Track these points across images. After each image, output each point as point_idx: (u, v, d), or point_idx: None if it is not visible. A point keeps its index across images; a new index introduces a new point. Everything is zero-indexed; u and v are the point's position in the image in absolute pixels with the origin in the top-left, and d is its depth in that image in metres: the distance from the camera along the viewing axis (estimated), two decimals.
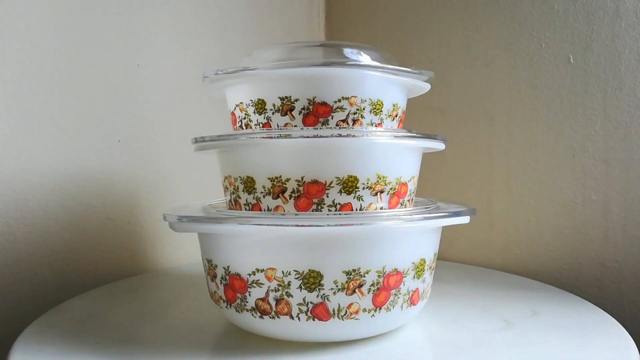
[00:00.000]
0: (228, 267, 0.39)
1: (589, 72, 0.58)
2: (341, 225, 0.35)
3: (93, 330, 0.43)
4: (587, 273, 0.59)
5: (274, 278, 0.37)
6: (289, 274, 0.36)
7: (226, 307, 0.40)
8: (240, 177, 0.41)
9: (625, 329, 0.42)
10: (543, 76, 0.62)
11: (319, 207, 0.39)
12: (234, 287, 0.39)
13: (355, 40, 0.83)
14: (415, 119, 0.73)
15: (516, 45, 0.64)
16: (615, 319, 0.45)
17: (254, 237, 0.37)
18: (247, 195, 0.41)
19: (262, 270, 0.37)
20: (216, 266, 0.40)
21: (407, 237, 0.38)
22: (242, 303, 0.39)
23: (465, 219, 0.41)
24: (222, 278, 0.40)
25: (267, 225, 0.36)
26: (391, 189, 0.41)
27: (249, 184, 0.40)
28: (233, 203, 0.43)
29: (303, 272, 0.36)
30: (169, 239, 0.67)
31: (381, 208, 0.40)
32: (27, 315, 0.52)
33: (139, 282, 0.59)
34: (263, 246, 0.37)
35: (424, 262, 0.40)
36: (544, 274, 0.62)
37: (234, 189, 0.42)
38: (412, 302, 0.40)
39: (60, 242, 0.57)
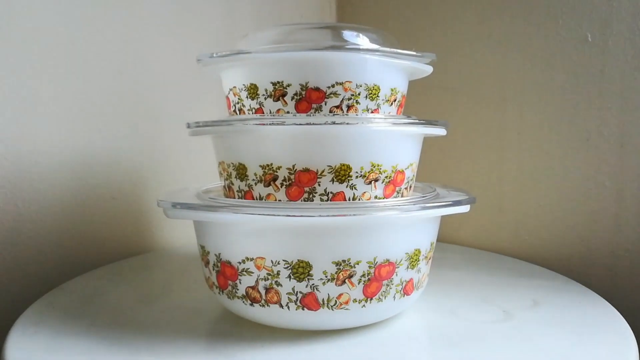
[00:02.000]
0: (219, 254, 0.39)
1: (607, 52, 0.55)
2: (333, 216, 0.34)
3: (91, 311, 0.44)
4: (598, 261, 0.57)
5: (263, 267, 0.37)
6: (278, 263, 0.36)
7: (219, 293, 0.40)
8: (232, 163, 0.40)
9: (635, 319, 0.41)
10: (559, 55, 0.59)
11: (311, 196, 0.38)
12: (225, 274, 0.39)
13: (366, 20, 0.80)
14: (424, 98, 0.71)
15: (532, 21, 0.61)
16: (625, 308, 0.43)
17: (244, 226, 0.37)
18: (239, 182, 0.40)
19: (252, 259, 0.37)
20: (208, 253, 0.40)
21: (401, 227, 0.37)
22: (234, 290, 0.39)
23: (464, 209, 0.40)
24: (214, 265, 0.40)
25: (258, 215, 0.35)
26: (386, 177, 0.39)
27: (241, 171, 0.40)
28: (227, 189, 0.42)
29: (292, 262, 0.36)
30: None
31: (376, 197, 0.39)
32: (33, 294, 0.53)
33: (144, 262, 0.60)
34: (253, 235, 0.36)
35: (419, 252, 0.39)
36: (552, 260, 0.61)
37: (227, 175, 0.41)
38: (405, 292, 0.39)
39: (66, 222, 0.58)
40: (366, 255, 0.36)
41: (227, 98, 0.44)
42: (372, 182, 0.39)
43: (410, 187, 0.43)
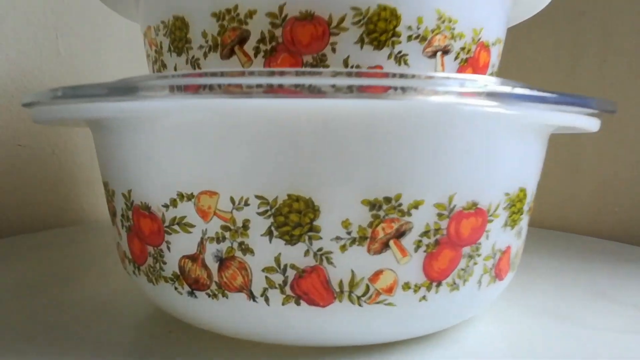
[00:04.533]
0: (129, 191, 0.19)
1: None
2: (365, 90, 0.15)
3: None
4: None
5: (215, 212, 0.17)
6: (246, 202, 0.17)
7: (134, 272, 0.21)
8: (164, 22, 0.21)
9: None
10: None
11: None
12: (140, 232, 0.19)
13: None
14: None
15: None
16: None
17: (167, 122, 0.17)
18: (176, 57, 0.21)
19: (191, 197, 0.17)
20: (113, 193, 0.21)
21: (501, 138, 0.18)
22: (157, 265, 0.19)
23: (594, 124, 0.21)
24: (122, 215, 0.20)
25: (204, 99, 0.16)
26: (462, 49, 0.20)
27: (179, 34, 0.20)
28: None
29: (276, 199, 0.17)
30: None
31: None
32: None
33: (55, 237, 0.40)
34: (190, 143, 0.17)
35: (524, 194, 0.20)
36: None
37: (156, 51, 0.22)
38: (498, 272, 0.20)
39: None
40: (432, 190, 0.17)
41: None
42: (438, 53, 0.20)
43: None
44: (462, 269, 0.18)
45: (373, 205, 0.17)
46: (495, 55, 0.23)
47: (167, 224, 0.18)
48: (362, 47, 0.19)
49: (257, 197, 0.17)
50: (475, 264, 0.19)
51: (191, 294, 0.18)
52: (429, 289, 0.18)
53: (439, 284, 0.18)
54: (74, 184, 0.45)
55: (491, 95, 0.16)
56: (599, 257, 0.36)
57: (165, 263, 0.19)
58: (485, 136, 0.18)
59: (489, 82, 0.17)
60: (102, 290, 0.27)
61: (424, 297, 0.18)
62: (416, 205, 0.17)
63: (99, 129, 0.20)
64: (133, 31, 0.48)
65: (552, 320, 0.24)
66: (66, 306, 0.25)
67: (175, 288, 0.19)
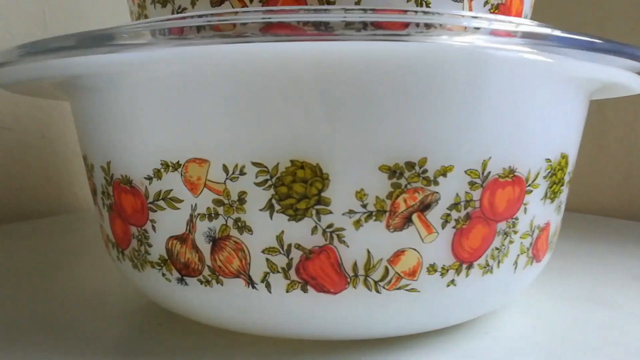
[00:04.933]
0: (108, 164, 0.17)
1: None
2: (381, 26, 0.13)
3: None
4: None
5: (205, 184, 0.15)
6: (242, 171, 0.14)
7: (118, 257, 0.18)
8: None
9: None
10: None
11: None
12: (122, 210, 0.17)
13: None
14: None
15: None
16: None
17: (147, 76, 0.15)
18: (161, 8, 0.18)
19: (177, 166, 0.15)
20: (92, 167, 0.18)
21: (542, 92, 0.15)
22: (142, 248, 0.17)
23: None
24: (103, 193, 0.18)
25: (188, 41, 0.13)
26: None
27: None
28: None
29: (277, 166, 0.14)
30: None
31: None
32: None
33: (52, 225, 0.38)
34: (174, 101, 0.14)
35: (566, 162, 0.17)
36: None
37: (139, 5, 0.19)
38: (535, 253, 0.17)
39: None
40: (463, 154, 0.14)
41: None
42: None
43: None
44: (497, 248, 0.16)
45: (393, 172, 0.14)
46: (528, 5, 0.20)
47: (151, 199, 0.16)
48: None
49: (255, 164, 0.14)
50: (511, 242, 0.16)
51: (181, 280, 0.16)
52: (458, 271, 0.15)
53: (469, 266, 0.15)
54: (67, 169, 0.43)
55: (529, 36, 0.14)
56: (632, 240, 0.33)
57: (150, 246, 0.16)
58: (524, 89, 0.15)
59: (526, 23, 0.14)
60: (92, 280, 0.25)
61: (452, 282, 0.15)
62: (444, 172, 0.14)
63: (74, 93, 0.18)
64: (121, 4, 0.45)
65: (589, 306, 0.21)
66: (52, 297, 0.22)
67: (163, 274, 0.16)
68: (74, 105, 0.19)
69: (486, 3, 0.17)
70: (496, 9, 0.18)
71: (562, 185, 0.17)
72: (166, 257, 0.16)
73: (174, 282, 0.16)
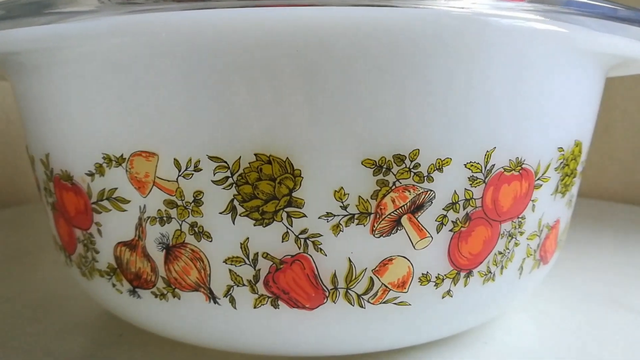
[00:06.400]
0: (47, 156, 0.14)
1: None
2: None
3: None
4: None
5: (155, 181, 0.12)
6: (197, 167, 0.12)
7: (65, 262, 0.16)
8: None
9: None
10: None
11: None
12: (65, 210, 0.14)
13: None
14: None
15: None
16: None
17: (87, 52, 0.12)
18: None
19: (121, 161, 0.12)
20: (33, 160, 0.15)
21: (554, 69, 0.13)
22: (89, 254, 0.14)
23: None
24: (45, 189, 0.15)
25: (136, 8, 0.11)
26: None
27: None
28: None
29: (239, 160, 0.11)
30: None
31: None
32: None
33: (15, 216, 0.36)
34: (116, 83, 0.12)
35: (580, 151, 0.15)
36: None
37: None
38: (543, 254, 0.15)
39: None
40: (462, 144, 0.12)
41: None
42: None
43: None
44: (500, 253, 0.14)
45: (379, 167, 0.12)
46: None
47: (94, 199, 0.13)
48: None
49: (212, 158, 0.12)
50: (516, 245, 0.14)
51: (133, 292, 0.14)
52: (455, 281, 0.13)
53: (468, 274, 0.13)
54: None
55: (539, 1, 0.11)
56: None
57: (97, 252, 0.14)
58: (534, 65, 0.12)
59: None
60: (48, 283, 0.23)
61: (448, 293, 0.13)
62: (440, 167, 0.12)
63: (12, 72, 0.15)
64: None
65: (601, 307, 0.19)
66: (0, 302, 0.20)
67: (113, 285, 0.14)
68: (13, 86, 0.16)
69: None
70: None
71: (575, 177, 0.15)
72: (115, 266, 0.14)
73: (125, 293, 0.14)
